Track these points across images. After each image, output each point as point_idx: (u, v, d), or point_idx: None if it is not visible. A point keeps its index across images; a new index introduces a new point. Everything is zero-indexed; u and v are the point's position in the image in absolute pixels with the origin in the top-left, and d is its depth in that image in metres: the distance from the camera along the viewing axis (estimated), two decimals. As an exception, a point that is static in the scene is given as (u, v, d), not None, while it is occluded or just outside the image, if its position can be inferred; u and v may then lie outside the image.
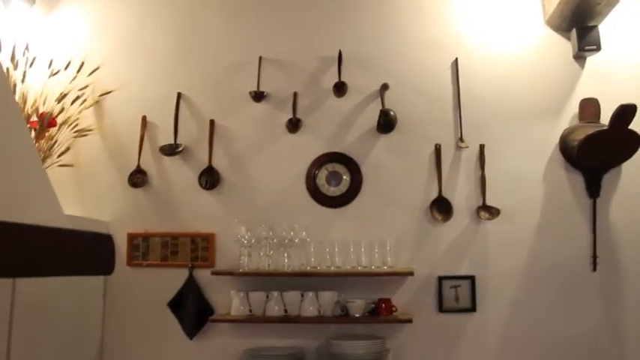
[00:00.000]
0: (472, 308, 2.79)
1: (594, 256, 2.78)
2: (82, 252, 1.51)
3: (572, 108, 2.90)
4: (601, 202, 2.82)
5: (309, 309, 2.71)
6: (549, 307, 2.78)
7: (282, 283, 2.79)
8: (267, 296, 2.76)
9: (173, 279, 2.96)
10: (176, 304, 2.95)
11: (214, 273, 2.80)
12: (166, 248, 3.01)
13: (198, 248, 2.98)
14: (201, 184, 3.01)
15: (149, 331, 2.98)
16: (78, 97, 3.07)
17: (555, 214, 2.84)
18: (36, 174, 1.77)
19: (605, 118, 2.70)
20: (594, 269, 2.78)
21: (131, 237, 3.04)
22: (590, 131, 2.72)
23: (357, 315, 2.68)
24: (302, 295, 2.74)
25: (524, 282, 2.81)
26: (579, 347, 2.74)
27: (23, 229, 1.19)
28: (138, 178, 3.07)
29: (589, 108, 2.88)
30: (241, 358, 2.83)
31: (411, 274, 2.70)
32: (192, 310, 2.91)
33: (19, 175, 2.09)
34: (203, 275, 2.94)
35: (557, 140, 2.90)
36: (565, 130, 2.89)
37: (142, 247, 3.04)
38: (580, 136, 2.75)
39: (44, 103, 3.03)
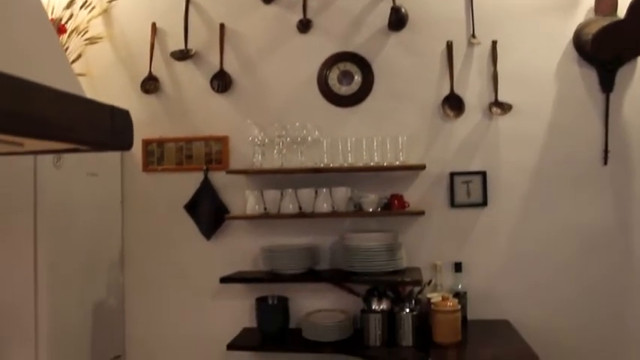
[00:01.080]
0: (483, 203, 2.83)
1: (606, 150, 2.79)
2: (98, 122, 1.53)
3: (588, 1, 2.84)
4: (614, 97, 2.80)
5: (323, 206, 2.76)
6: (560, 200, 2.81)
7: (296, 182, 2.83)
8: (282, 194, 2.81)
9: (188, 182, 3.02)
10: (192, 207, 3.01)
11: (229, 172, 2.84)
12: (181, 153, 3.05)
13: (212, 151, 3.02)
14: (213, 88, 3.02)
15: (167, 234, 3.06)
16: (85, 2, 3.05)
17: (567, 108, 2.83)
18: (56, 52, 1.80)
19: (623, 11, 2.64)
20: (605, 163, 2.79)
21: (146, 143, 3.08)
22: (606, 23, 2.67)
23: (370, 209, 2.73)
24: (316, 192, 2.78)
25: (535, 176, 2.83)
26: (589, 239, 2.79)
27: (39, 88, 1.21)
28: (150, 84, 3.09)
29: (605, 1, 2.81)
30: (258, 256, 2.92)
31: (423, 167, 2.73)
32: (209, 212, 2.97)
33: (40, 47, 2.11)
34: (218, 178, 2.99)
35: (571, 35, 2.85)
36: (580, 25, 2.84)
37: (156, 153, 3.08)
38: (595, 29, 2.71)
39: (52, 12, 3.01)
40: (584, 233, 2.79)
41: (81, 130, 1.48)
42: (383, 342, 2.66)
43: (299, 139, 2.79)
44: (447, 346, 2.48)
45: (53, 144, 1.40)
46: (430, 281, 2.77)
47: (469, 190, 2.83)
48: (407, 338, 2.64)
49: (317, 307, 2.90)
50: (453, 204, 2.84)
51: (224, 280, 2.81)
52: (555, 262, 2.81)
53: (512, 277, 2.83)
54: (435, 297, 2.66)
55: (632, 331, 2.75)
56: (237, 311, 2.99)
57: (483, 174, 2.83)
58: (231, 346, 2.77)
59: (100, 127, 1.57)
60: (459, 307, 2.55)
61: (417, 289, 2.75)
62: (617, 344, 2.76)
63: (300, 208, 2.80)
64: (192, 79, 3.06)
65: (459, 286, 2.78)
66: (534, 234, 2.82)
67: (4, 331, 2.50)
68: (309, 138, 2.79)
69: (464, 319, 2.74)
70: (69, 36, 3.02)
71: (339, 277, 2.77)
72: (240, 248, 2.98)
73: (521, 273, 2.82)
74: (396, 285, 2.66)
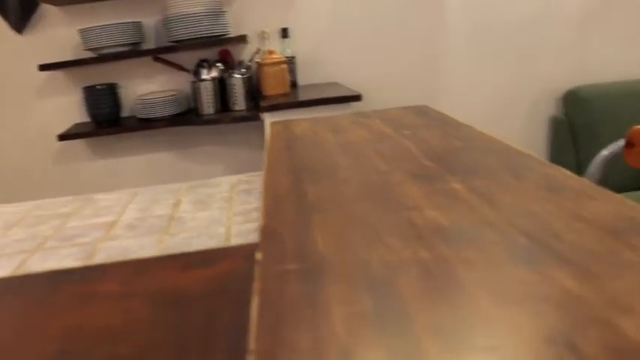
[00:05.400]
0: (304, -32, 2.85)
1: None
2: None
3: None
4: None
5: (140, -22, 2.65)
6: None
7: (107, -44, 2.68)
8: (93, -30, 2.64)
9: (-12, -27, 2.74)
10: (-3, 0, 2.77)
11: (28, -53, 2.61)
12: (-27, -60, 2.74)
13: None
14: None
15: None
16: None
17: None
18: None
19: None
20: None
21: None
22: None
23: (189, -24, 2.65)
24: (129, -35, 2.65)
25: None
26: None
27: None
28: None
29: None
30: (78, 44, 2.77)
31: None
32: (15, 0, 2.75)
33: None
34: (21, -36, 2.75)
35: None
36: None
37: (-55, -56, 2.74)
38: None
39: None
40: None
41: None
42: (216, 110, 2.70)
43: None
44: (277, 96, 2.56)
45: None
46: (258, 49, 2.80)
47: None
48: (239, 102, 2.69)
49: (149, 90, 2.86)
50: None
51: (44, 67, 2.65)
52: (380, 19, 2.88)
53: (340, 40, 2.90)
54: (263, 59, 2.70)
55: (444, 76, 3.00)
56: (65, 107, 2.87)
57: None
58: (63, 137, 2.68)
59: None
60: (285, 58, 2.61)
61: (246, 58, 2.78)
62: (432, 92, 3.01)
63: (115, -18, 2.66)
64: None
65: (288, 52, 2.84)
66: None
67: None
68: None
69: (294, 83, 2.83)
70: None
71: (166, 50, 2.71)
72: (59, 38, 2.80)
73: (348, 35, 2.89)
74: (222, 44, 2.65)
